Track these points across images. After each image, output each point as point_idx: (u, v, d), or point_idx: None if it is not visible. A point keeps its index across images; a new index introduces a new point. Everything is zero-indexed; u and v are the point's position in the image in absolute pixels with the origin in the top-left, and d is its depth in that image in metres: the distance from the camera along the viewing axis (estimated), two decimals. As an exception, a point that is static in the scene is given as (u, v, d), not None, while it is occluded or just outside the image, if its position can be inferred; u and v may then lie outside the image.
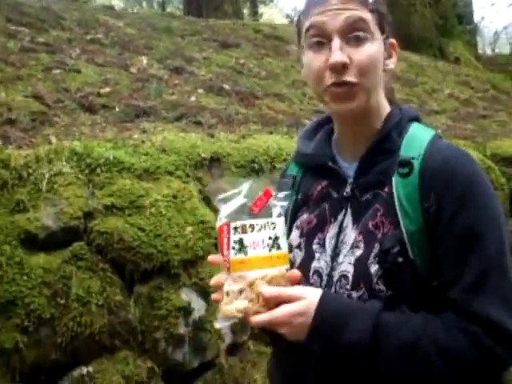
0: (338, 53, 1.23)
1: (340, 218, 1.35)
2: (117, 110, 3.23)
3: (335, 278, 1.28)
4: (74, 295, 2.10)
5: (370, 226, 1.30)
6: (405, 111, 1.40)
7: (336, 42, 1.24)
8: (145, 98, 3.51)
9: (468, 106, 6.26)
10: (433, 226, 1.25)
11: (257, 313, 1.14)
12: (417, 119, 1.40)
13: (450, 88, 6.82)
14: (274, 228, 1.20)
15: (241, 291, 1.16)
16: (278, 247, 1.19)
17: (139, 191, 2.30)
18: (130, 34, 5.24)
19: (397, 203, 1.27)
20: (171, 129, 2.82)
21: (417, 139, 1.33)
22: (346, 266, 1.29)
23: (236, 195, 1.22)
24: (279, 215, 1.22)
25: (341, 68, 1.24)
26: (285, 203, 1.25)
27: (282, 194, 1.26)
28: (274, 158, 2.78)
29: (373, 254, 1.27)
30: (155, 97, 3.56)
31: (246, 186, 1.23)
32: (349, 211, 1.35)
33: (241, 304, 1.15)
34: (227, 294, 1.16)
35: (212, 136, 2.78)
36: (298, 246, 1.37)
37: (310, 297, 1.18)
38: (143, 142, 2.51)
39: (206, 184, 2.52)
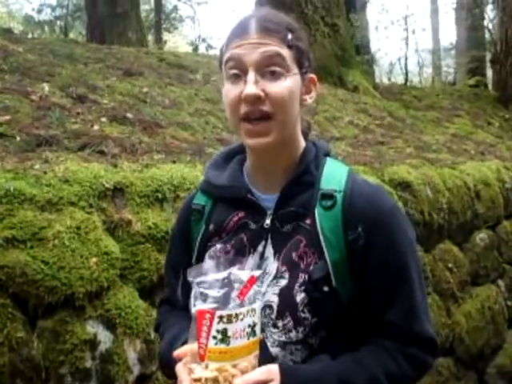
0: (251, 86, 1.29)
1: (260, 248, 1.39)
2: (17, 138, 3.15)
3: None
4: (-28, 333, 2.01)
5: (294, 256, 1.35)
6: (319, 146, 1.47)
7: (251, 75, 1.30)
8: (47, 127, 3.44)
9: (367, 133, 6.51)
10: (359, 257, 1.35)
11: None
12: (329, 153, 1.48)
13: (349, 115, 7.07)
14: (254, 315, 1.19)
15: (215, 380, 1.15)
16: (254, 334, 1.19)
17: (41, 223, 2.25)
18: (30, 60, 5.12)
19: (320, 234, 1.34)
20: (74, 158, 2.78)
21: (335, 173, 1.41)
22: (270, 296, 1.34)
23: (216, 282, 1.21)
24: (257, 299, 1.22)
25: (254, 100, 1.30)
26: (261, 288, 1.28)
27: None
28: (177, 187, 2.79)
29: (298, 284, 1.33)
30: (57, 126, 3.49)
31: (226, 273, 1.22)
32: (269, 242, 1.39)
33: None
34: (199, 380, 1.15)
35: (115, 166, 2.76)
36: None
37: (276, 378, 1.22)
38: (45, 172, 2.46)
39: (110, 214, 2.50)
